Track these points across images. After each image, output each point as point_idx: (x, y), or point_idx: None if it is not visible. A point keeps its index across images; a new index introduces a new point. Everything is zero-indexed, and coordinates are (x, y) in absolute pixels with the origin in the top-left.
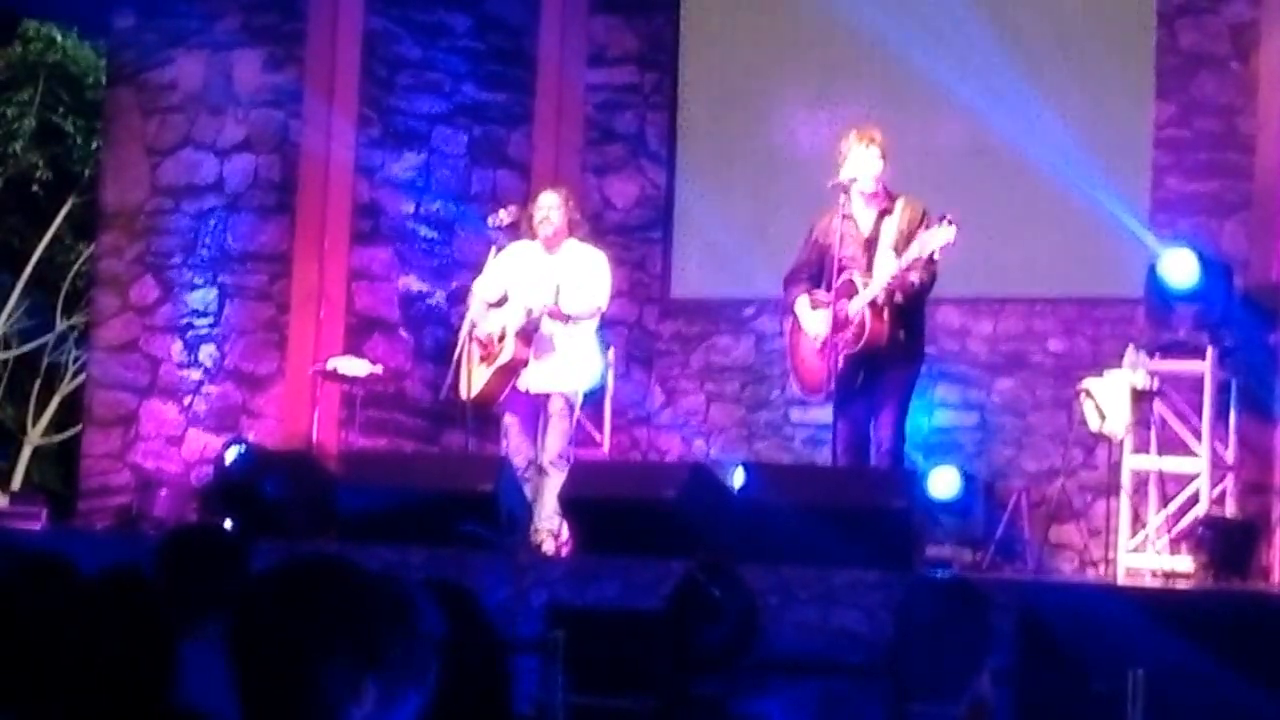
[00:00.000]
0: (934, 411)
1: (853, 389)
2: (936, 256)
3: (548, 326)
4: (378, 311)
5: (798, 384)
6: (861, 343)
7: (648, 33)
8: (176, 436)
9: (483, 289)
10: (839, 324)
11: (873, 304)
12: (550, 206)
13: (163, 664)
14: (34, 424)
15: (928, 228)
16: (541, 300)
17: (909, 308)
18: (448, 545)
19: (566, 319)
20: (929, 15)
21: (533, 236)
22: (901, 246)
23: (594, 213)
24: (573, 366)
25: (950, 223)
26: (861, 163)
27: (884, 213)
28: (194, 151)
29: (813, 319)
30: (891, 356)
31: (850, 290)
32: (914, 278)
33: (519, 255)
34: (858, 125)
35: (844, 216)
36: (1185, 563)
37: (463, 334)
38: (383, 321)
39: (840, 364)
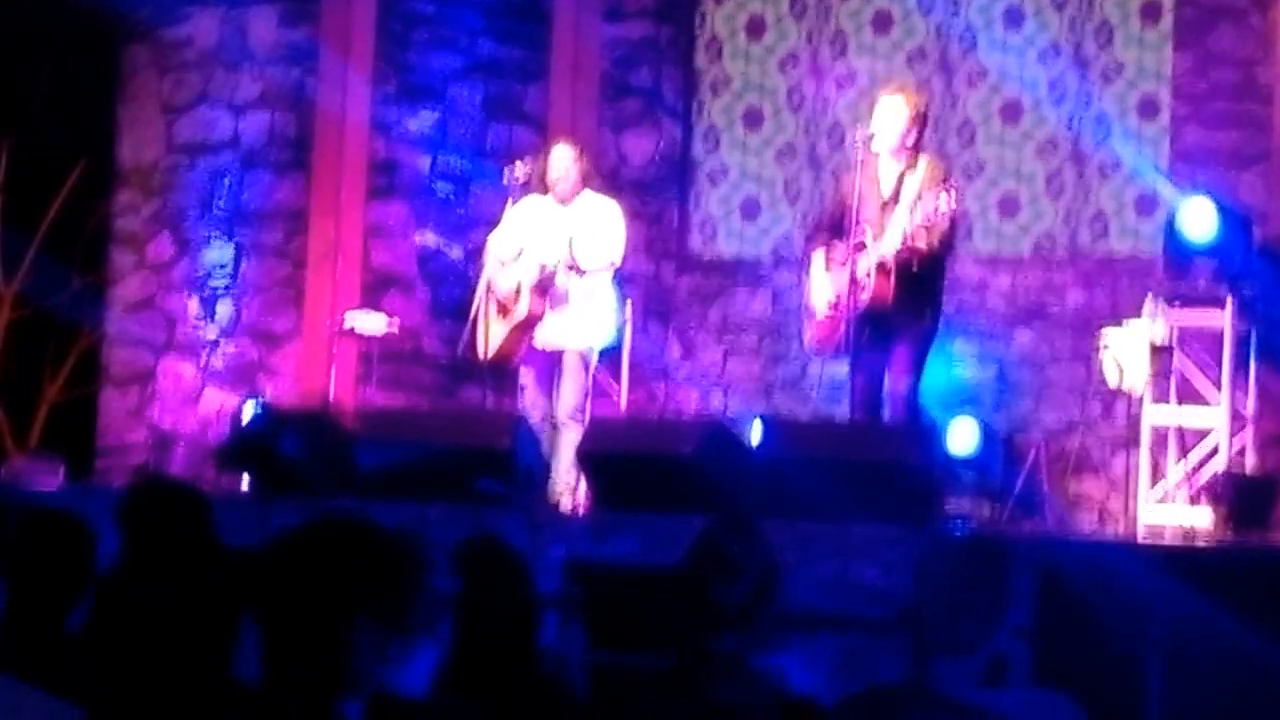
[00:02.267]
0: (953, 365)
1: (862, 345)
2: (945, 220)
3: (563, 281)
4: (394, 268)
5: (809, 337)
6: (869, 303)
7: None
8: (193, 394)
9: (498, 244)
10: (850, 283)
11: (881, 264)
12: (566, 163)
13: (224, 636)
14: (50, 382)
15: (939, 191)
16: (556, 254)
17: (922, 271)
18: (465, 502)
19: (582, 272)
20: None
21: (544, 192)
22: (916, 206)
23: (610, 168)
24: (588, 321)
25: (949, 189)
26: (885, 117)
27: (907, 170)
28: (210, 108)
29: (821, 280)
30: (900, 316)
31: (863, 248)
32: (922, 244)
33: (533, 209)
34: (894, 81)
35: (866, 171)
36: (1205, 516)
37: (479, 291)
38: (399, 277)
39: (849, 322)
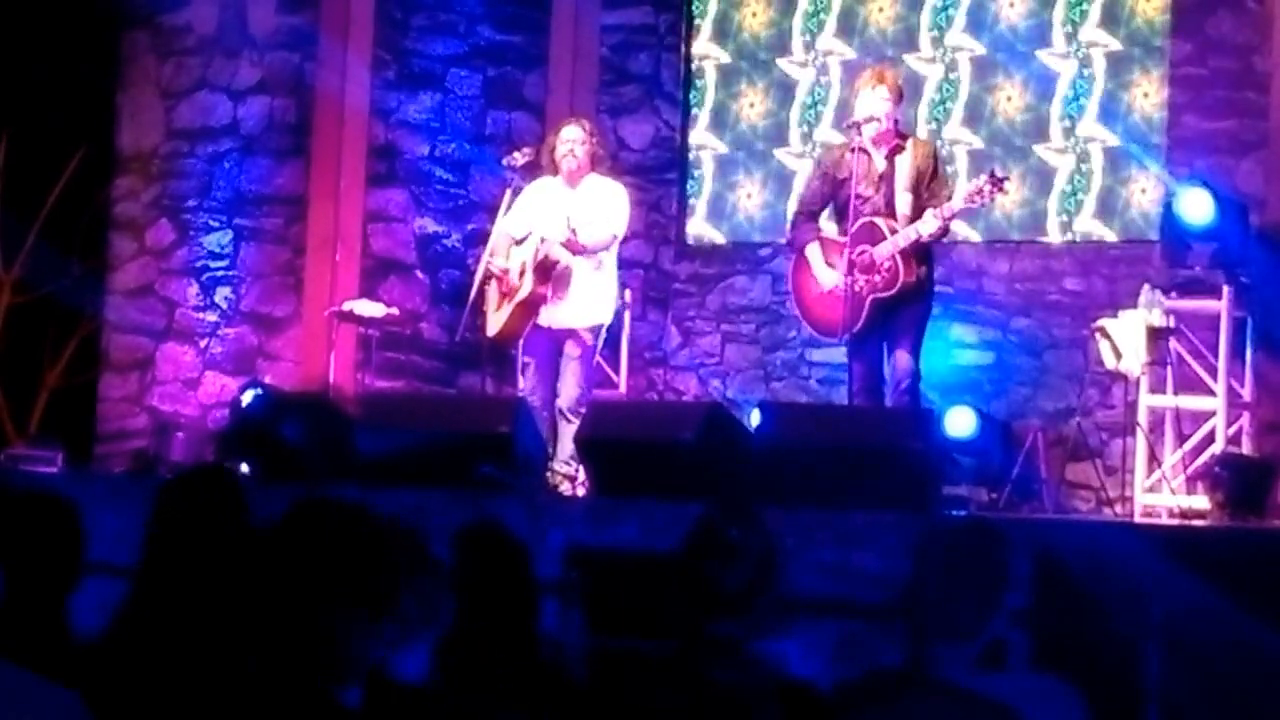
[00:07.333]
0: (951, 351)
1: (869, 330)
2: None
3: (565, 259)
4: (394, 253)
5: (811, 326)
6: (896, 289)
7: None
8: (193, 380)
9: (508, 227)
10: (863, 268)
11: (902, 251)
12: (574, 140)
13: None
14: (50, 368)
15: (938, 171)
16: (555, 234)
17: (926, 249)
18: (465, 487)
19: (582, 250)
20: None
21: (554, 171)
22: (916, 186)
23: (610, 154)
24: (593, 301)
25: (1002, 181)
26: (871, 103)
27: (895, 151)
28: (209, 94)
29: (827, 274)
30: (907, 296)
31: (874, 235)
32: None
33: (541, 191)
34: (871, 66)
35: (859, 152)
36: (1201, 501)
37: (479, 273)
38: (399, 263)
39: (865, 307)
